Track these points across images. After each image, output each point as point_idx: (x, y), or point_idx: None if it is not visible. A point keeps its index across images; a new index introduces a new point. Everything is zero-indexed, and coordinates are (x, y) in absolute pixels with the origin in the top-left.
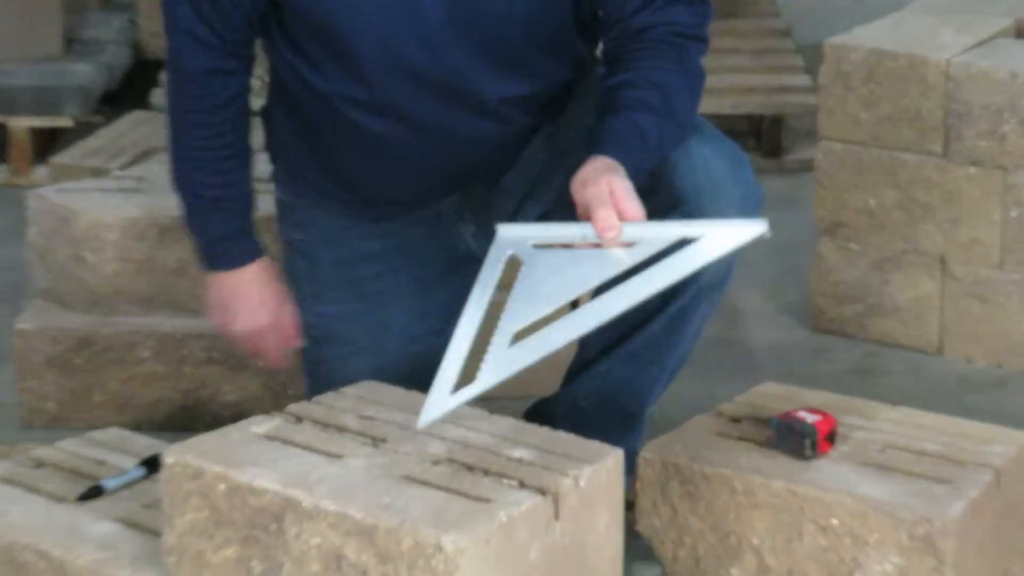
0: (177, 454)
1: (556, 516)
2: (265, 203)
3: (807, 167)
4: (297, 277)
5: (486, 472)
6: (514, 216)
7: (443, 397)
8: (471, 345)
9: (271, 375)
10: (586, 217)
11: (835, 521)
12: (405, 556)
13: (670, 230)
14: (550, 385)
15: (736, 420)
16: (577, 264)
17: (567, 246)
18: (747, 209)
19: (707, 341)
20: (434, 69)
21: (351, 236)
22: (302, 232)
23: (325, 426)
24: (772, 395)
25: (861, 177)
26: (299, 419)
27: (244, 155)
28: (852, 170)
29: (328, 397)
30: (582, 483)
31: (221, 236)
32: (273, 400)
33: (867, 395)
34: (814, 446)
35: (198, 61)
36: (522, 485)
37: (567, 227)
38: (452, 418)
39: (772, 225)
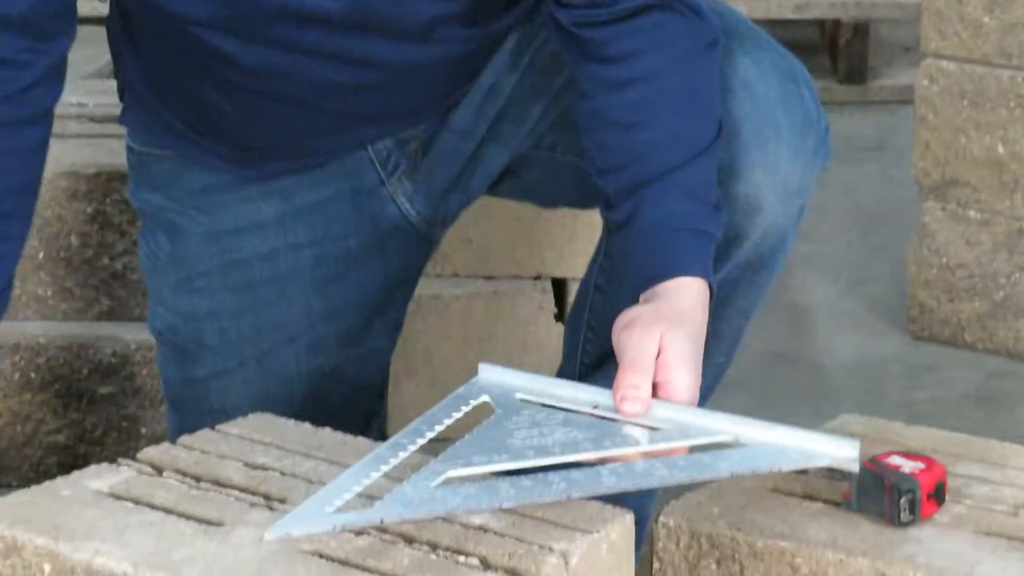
0: None
1: None
2: (112, 153)
3: (904, 98)
4: (154, 259)
5: (433, 547)
6: (468, 169)
7: (319, 511)
8: (385, 469)
9: (118, 405)
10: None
11: None
12: None
13: (718, 425)
14: None
15: (801, 469)
16: (568, 427)
17: (567, 411)
18: (805, 148)
19: (759, 354)
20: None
21: (232, 199)
22: (162, 195)
23: (197, 479)
24: (852, 433)
25: (984, 112)
26: (158, 469)
27: (15, 222)
28: (971, 102)
29: (201, 437)
30: (573, 562)
31: None
32: (120, 441)
33: (992, 432)
34: (914, 507)
35: None
36: (486, 566)
37: (574, 387)
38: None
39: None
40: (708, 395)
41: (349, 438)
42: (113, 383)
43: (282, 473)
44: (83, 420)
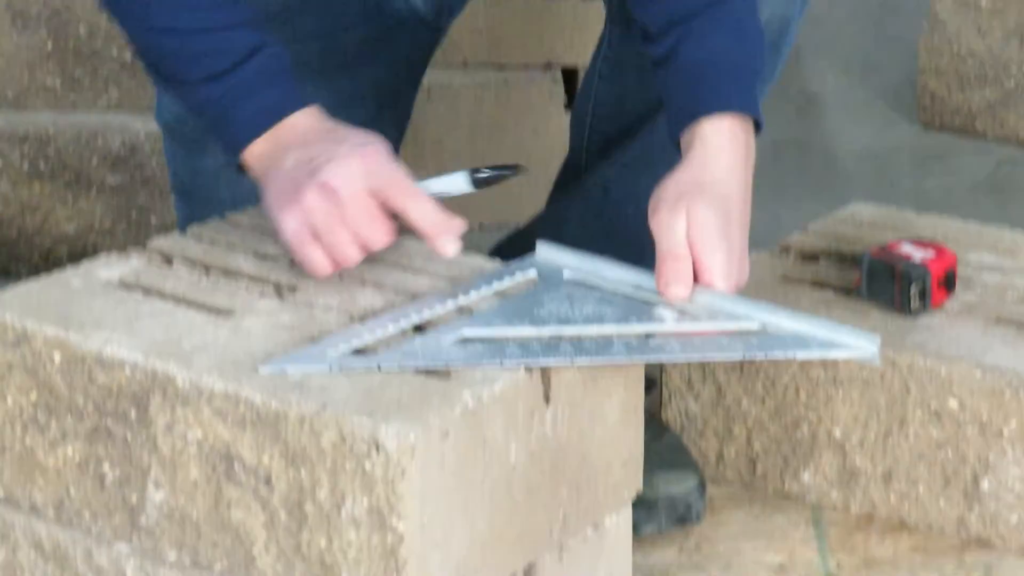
0: None
1: (546, 400)
2: None
3: None
4: None
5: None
6: None
7: (320, 352)
8: (407, 323)
9: (128, 195)
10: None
11: (954, 403)
12: (326, 457)
13: (747, 312)
14: (531, 208)
15: (811, 257)
16: (598, 304)
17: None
18: None
19: (769, 142)
20: None
21: None
22: None
23: (207, 268)
24: (863, 221)
25: None
26: (168, 259)
27: None
28: None
29: (211, 227)
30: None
31: (254, 49)
32: (130, 231)
33: (1003, 220)
34: (924, 295)
35: None
36: None
37: (624, 270)
38: (394, 255)
39: None
40: None
41: None
42: (123, 173)
43: (291, 262)
44: (93, 210)
